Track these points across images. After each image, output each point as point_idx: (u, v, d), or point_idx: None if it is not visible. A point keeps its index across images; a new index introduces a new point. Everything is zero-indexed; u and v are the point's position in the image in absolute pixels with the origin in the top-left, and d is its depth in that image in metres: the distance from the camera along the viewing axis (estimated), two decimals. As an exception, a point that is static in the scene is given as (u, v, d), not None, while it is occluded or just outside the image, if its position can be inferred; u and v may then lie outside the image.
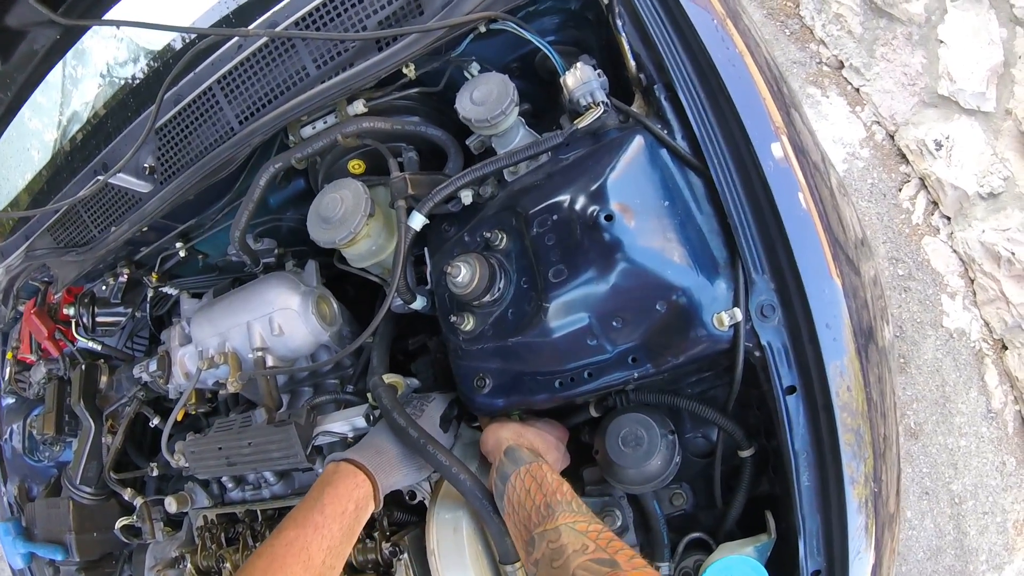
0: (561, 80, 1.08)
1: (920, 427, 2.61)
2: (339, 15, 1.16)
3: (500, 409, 1.14)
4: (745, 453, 1.11)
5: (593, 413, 1.19)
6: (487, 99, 1.10)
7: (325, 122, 1.29)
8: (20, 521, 1.84)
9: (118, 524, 1.64)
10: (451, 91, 1.17)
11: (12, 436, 2.00)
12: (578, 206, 1.02)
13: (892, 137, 2.87)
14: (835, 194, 1.11)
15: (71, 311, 1.74)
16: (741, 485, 1.13)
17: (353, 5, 1.15)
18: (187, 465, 1.36)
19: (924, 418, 2.62)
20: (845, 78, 2.99)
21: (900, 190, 2.83)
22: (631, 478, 1.07)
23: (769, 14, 3.17)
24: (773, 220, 0.96)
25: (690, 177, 1.03)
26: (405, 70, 1.19)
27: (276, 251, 1.52)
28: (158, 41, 1.50)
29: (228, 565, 1.36)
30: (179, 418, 1.46)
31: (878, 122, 2.90)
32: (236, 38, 1.23)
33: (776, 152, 0.98)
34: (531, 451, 1.07)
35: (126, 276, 1.66)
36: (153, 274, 1.67)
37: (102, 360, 1.78)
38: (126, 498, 1.64)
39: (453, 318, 1.11)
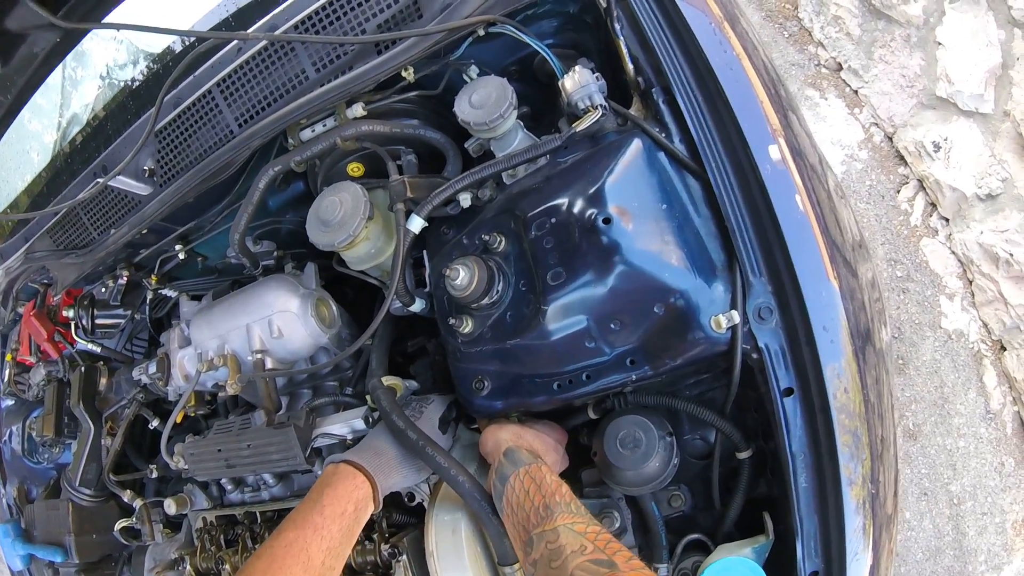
0: (559, 83, 1.08)
1: (919, 428, 2.62)
2: (338, 18, 1.16)
3: (499, 411, 1.15)
4: (743, 455, 1.12)
5: (591, 415, 1.19)
6: (486, 102, 1.10)
7: (324, 125, 1.29)
8: (19, 523, 1.84)
9: (117, 526, 1.64)
10: (450, 94, 1.17)
11: (11, 438, 2.00)
12: (576, 209, 1.03)
13: (890, 139, 2.88)
14: (832, 196, 1.12)
15: (70, 313, 1.74)
16: (739, 487, 1.14)
17: (352, 9, 1.15)
18: (186, 467, 1.36)
19: (923, 419, 2.62)
20: (843, 80, 3.00)
21: (898, 192, 2.83)
22: (629, 480, 1.08)
23: (768, 16, 3.18)
24: (770, 223, 0.96)
25: (688, 180, 1.04)
26: (404, 73, 1.19)
27: (275, 253, 1.52)
28: (158, 44, 1.51)
29: (227, 567, 1.36)
30: (178, 420, 1.46)
31: (876, 124, 2.91)
32: (235, 41, 1.23)
33: (773, 154, 0.98)
34: (530, 453, 1.07)
35: (125, 278, 1.67)
36: (152, 276, 1.68)
37: (101, 362, 1.79)
38: (125, 500, 1.64)
39: (452, 320, 1.12)
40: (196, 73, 1.27)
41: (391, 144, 1.28)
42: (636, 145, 1.04)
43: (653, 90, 1.07)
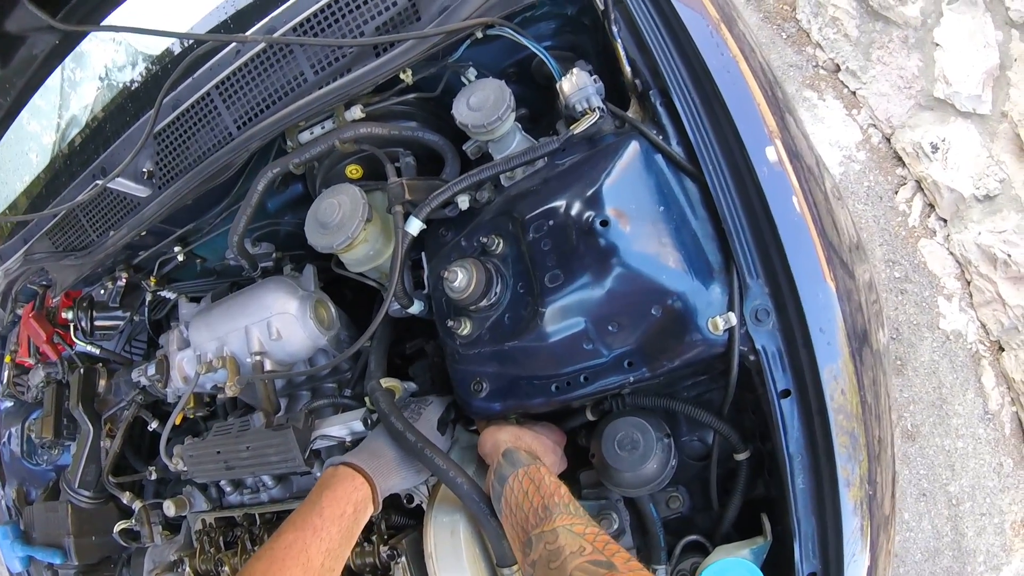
0: (557, 85, 1.08)
1: (917, 429, 2.62)
2: (337, 21, 1.16)
3: (497, 413, 1.15)
4: (741, 456, 1.12)
5: (590, 417, 1.19)
6: (484, 105, 1.10)
7: (323, 127, 1.29)
8: (18, 524, 1.84)
9: (117, 528, 1.64)
10: (448, 96, 1.17)
11: (10, 439, 2.00)
12: (574, 211, 1.03)
13: (888, 140, 2.89)
14: (829, 198, 1.12)
15: (69, 315, 1.74)
16: (737, 488, 1.14)
17: (351, 11, 1.15)
18: (185, 469, 1.36)
19: (921, 420, 2.63)
20: (841, 81, 3.00)
21: (896, 193, 2.84)
22: (627, 481, 1.08)
23: (766, 17, 3.19)
24: (767, 224, 0.96)
25: (685, 182, 1.04)
26: (402, 75, 1.19)
27: (274, 255, 1.53)
28: (157, 46, 1.51)
29: (227, 569, 1.36)
30: (177, 422, 1.46)
31: (874, 125, 2.92)
32: (234, 43, 1.23)
33: (770, 156, 0.98)
34: (529, 454, 1.07)
35: (124, 280, 1.67)
36: (151, 278, 1.68)
37: (100, 364, 1.79)
38: (125, 502, 1.64)
39: (450, 322, 1.12)
40: (195, 75, 1.27)
41: (389, 146, 1.29)
42: (633, 147, 1.04)
43: (650, 92, 1.07)
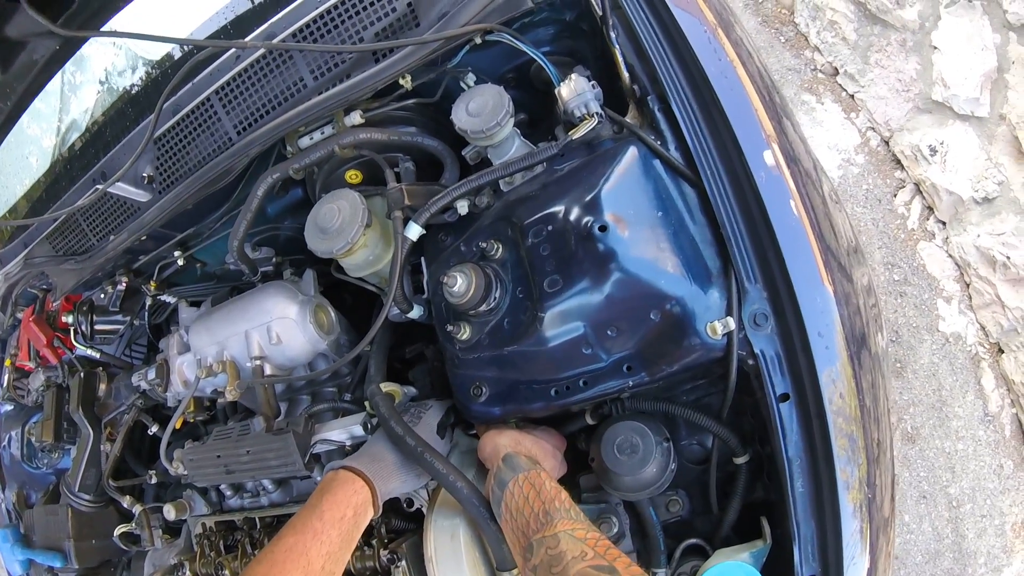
0: (556, 91, 1.08)
1: (917, 431, 2.62)
2: (336, 27, 1.17)
3: (497, 417, 1.15)
4: (740, 460, 1.12)
5: (589, 421, 1.19)
6: (483, 110, 1.11)
7: (322, 133, 1.29)
8: (19, 528, 1.84)
9: (117, 531, 1.65)
10: (447, 102, 1.18)
11: (10, 443, 2.00)
12: (573, 217, 1.03)
13: (887, 143, 2.89)
14: (827, 202, 1.12)
15: (70, 319, 1.74)
16: (736, 491, 1.14)
17: (350, 17, 1.16)
18: (186, 473, 1.37)
19: (921, 422, 2.63)
20: (840, 85, 3.01)
21: (895, 196, 2.84)
22: (627, 485, 1.08)
23: (764, 22, 3.20)
24: (765, 229, 0.97)
25: (683, 187, 1.04)
26: (402, 81, 1.20)
27: (274, 260, 1.53)
28: (157, 51, 1.51)
29: (227, 572, 1.37)
30: (177, 426, 1.46)
31: (873, 128, 2.92)
32: (234, 49, 1.24)
33: (768, 160, 0.99)
34: (529, 458, 1.07)
35: (124, 284, 1.67)
36: (152, 282, 1.68)
37: (100, 368, 1.79)
38: (125, 505, 1.65)
39: (449, 327, 1.12)
40: (195, 80, 1.27)
41: (389, 152, 1.29)
42: (632, 153, 1.05)
43: (649, 98, 1.07)
